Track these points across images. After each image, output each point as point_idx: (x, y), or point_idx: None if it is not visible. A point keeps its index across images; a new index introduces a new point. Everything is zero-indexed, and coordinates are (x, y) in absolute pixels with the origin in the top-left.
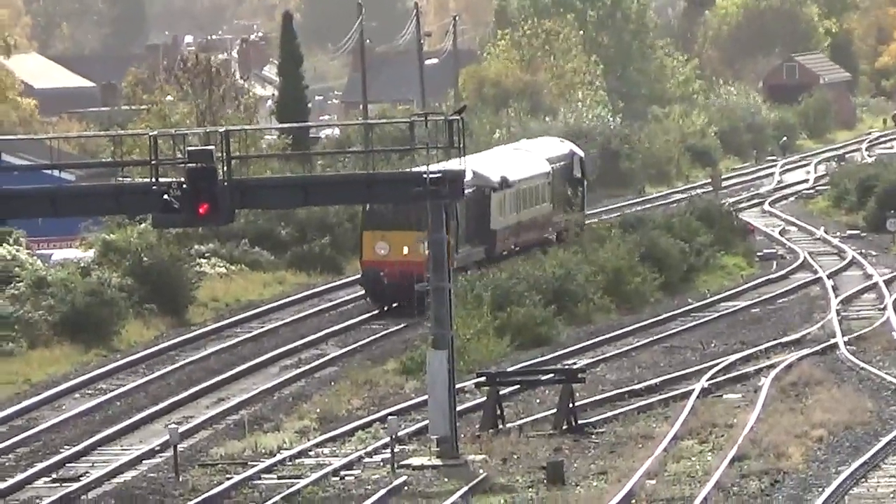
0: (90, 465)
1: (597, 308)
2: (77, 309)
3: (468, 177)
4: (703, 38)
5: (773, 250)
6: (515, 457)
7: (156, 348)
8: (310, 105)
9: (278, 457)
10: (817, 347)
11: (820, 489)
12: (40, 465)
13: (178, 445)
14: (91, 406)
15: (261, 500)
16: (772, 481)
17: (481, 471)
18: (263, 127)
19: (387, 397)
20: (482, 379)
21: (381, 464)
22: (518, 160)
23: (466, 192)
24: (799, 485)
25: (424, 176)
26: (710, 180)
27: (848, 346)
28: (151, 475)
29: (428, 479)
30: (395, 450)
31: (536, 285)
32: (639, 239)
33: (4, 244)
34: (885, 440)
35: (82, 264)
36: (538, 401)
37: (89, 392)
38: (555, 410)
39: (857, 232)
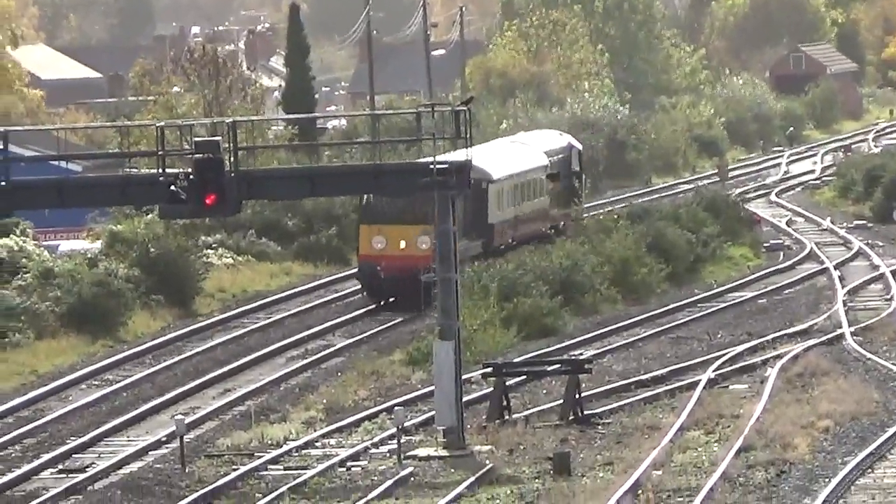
0: (96, 456)
1: (603, 299)
2: (84, 300)
3: None
4: (709, 29)
5: (780, 241)
6: (522, 447)
7: (162, 339)
8: (317, 96)
9: (285, 447)
10: (824, 338)
11: (826, 480)
12: (47, 456)
13: (185, 436)
14: (97, 397)
15: (267, 491)
16: (778, 472)
17: (487, 461)
18: (270, 118)
19: (393, 388)
20: (489, 370)
21: (388, 454)
22: (516, 153)
23: None
24: (805, 475)
25: (431, 166)
26: (716, 171)
27: (854, 337)
28: (158, 466)
29: (434, 469)
30: (402, 440)
31: (543, 276)
32: (645, 229)
33: (11, 235)
34: (891, 430)
35: (89, 255)
36: (544, 391)
37: (96, 383)
38: (561, 401)
39: (864, 222)
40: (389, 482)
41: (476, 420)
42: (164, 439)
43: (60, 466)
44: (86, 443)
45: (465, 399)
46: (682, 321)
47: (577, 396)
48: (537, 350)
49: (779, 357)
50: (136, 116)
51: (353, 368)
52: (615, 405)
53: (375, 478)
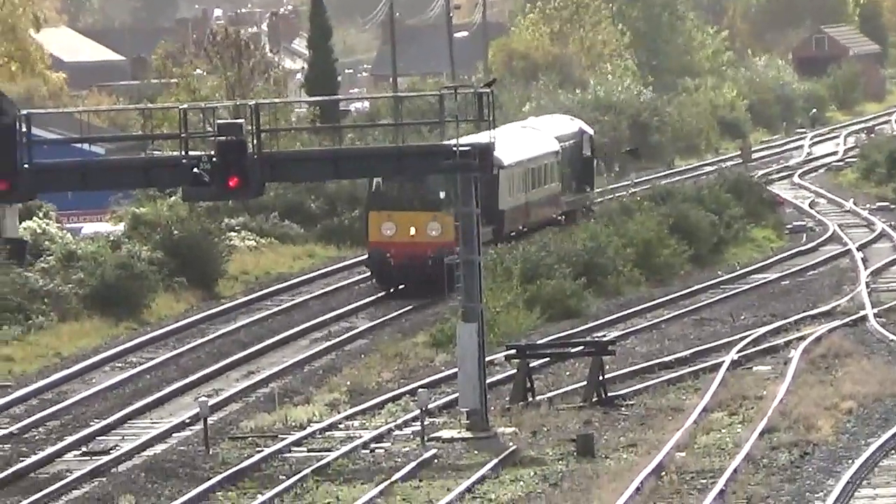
0: (120, 438)
1: (626, 280)
2: (107, 282)
3: None
4: (732, 11)
5: (803, 222)
6: (545, 429)
7: (186, 321)
8: (339, 78)
9: (308, 430)
10: (847, 319)
11: (850, 461)
12: (70, 439)
13: (208, 418)
14: (121, 379)
15: (291, 473)
16: (801, 453)
17: (511, 443)
18: (293, 100)
19: (416, 370)
20: (512, 352)
21: (411, 436)
22: (527, 139)
23: None
24: (828, 457)
25: (454, 149)
26: (739, 152)
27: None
28: (181, 448)
29: (458, 451)
30: (425, 422)
31: (566, 258)
32: (668, 211)
33: (34, 218)
34: None
35: (112, 238)
36: (568, 373)
37: (119, 365)
38: (584, 383)
39: (887, 204)
40: (413, 464)
41: (499, 402)
42: (187, 421)
43: (84, 449)
44: (109, 425)
45: (488, 381)
46: (705, 303)
47: (600, 378)
48: (560, 332)
49: (802, 338)
50: (158, 99)
51: (376, 350)
52: (638, 387)
53: (399, 460)
